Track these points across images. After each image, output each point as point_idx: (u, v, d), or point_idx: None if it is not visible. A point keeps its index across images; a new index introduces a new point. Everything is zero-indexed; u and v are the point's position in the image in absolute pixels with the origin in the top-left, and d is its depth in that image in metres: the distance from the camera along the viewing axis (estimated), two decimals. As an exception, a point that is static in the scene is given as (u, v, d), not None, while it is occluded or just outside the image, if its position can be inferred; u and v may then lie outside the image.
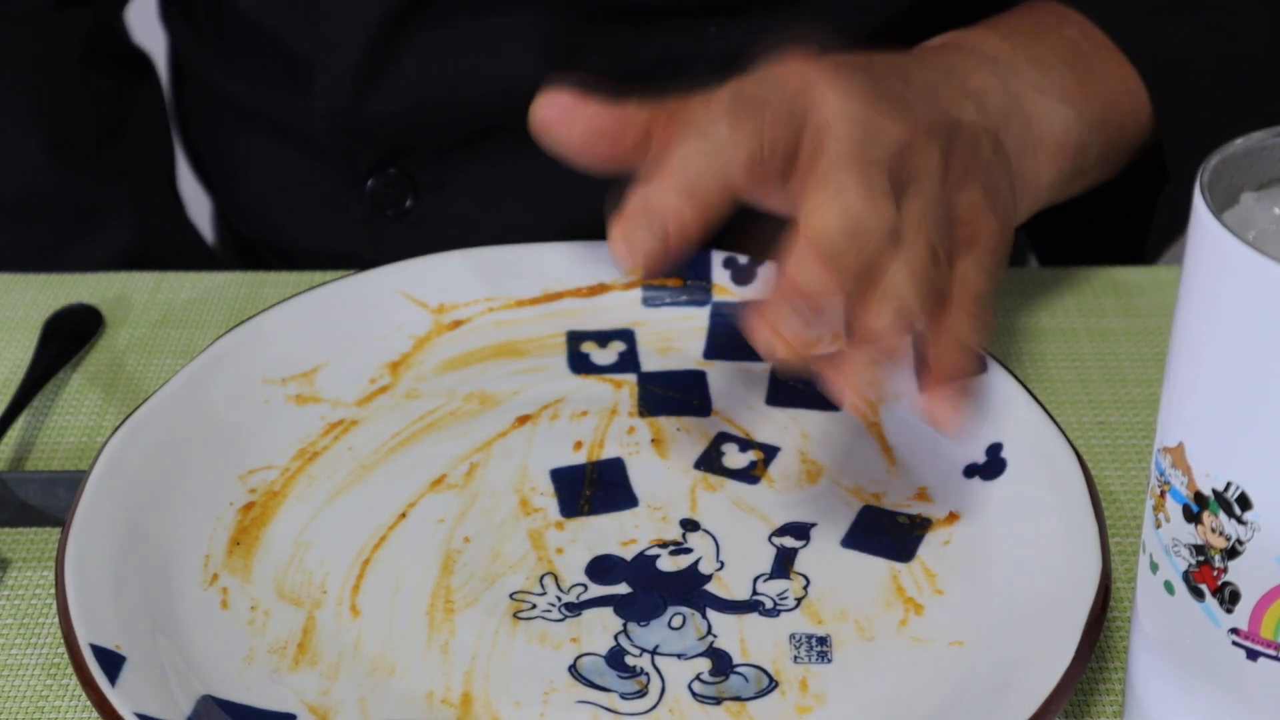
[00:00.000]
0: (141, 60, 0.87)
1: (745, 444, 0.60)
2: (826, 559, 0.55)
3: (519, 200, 0.79)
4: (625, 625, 0.53)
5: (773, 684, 0.51)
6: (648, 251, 0.52)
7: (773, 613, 0.53)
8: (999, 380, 0.60)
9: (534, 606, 0.54)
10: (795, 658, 0.52)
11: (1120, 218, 0.74)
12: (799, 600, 0.54)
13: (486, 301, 0.66)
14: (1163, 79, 0.67)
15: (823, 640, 0.52)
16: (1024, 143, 0.62)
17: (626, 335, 0.66)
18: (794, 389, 0.63)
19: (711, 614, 0.53)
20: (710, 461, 0.60)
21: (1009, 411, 0.59)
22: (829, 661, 0.51)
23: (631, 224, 0.52)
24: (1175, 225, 0.72)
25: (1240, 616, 0.42)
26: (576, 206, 0.79)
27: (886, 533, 0.56)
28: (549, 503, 0.58)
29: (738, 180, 0.53)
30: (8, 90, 0.80)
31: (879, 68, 0.58)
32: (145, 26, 0.91)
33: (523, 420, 0.62)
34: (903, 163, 0.54)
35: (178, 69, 0.90)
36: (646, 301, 0.67)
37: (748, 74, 0.56)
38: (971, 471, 0.58)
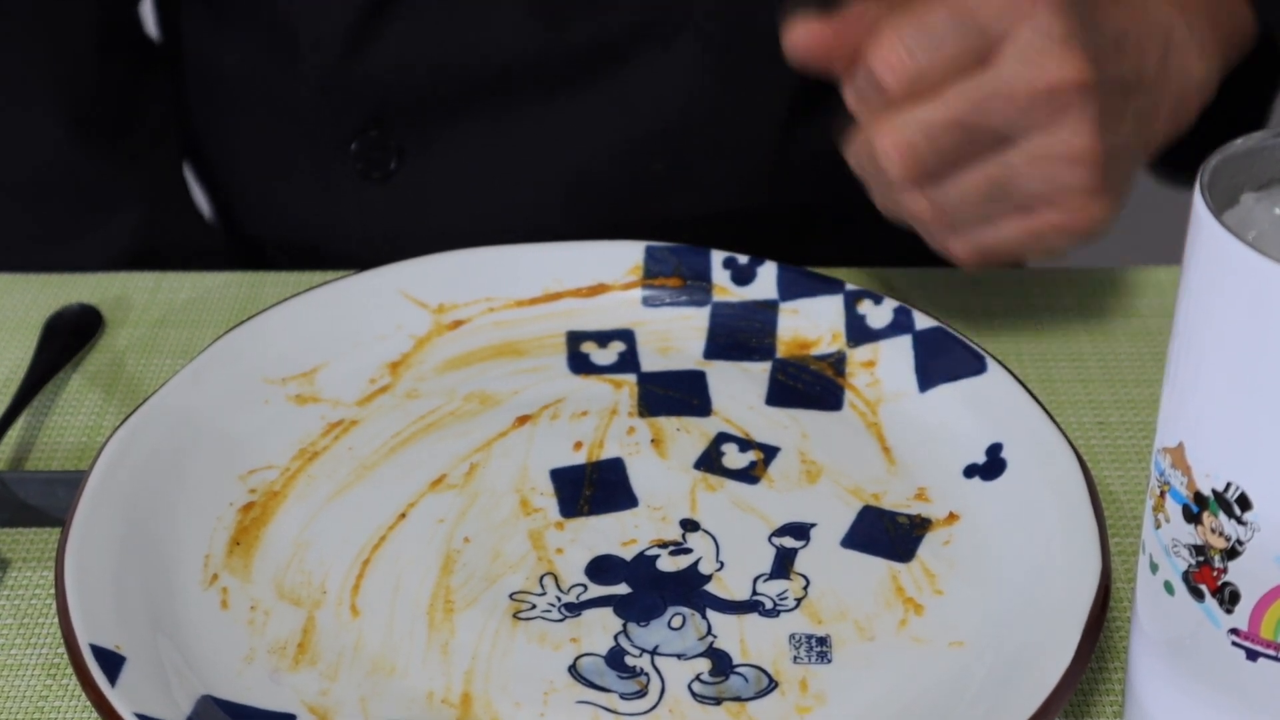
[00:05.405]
0: (155, 50, 0.88)
1: (745, 444, 0.60)
2: (826, 559, 0.55)
3: (502, 164, 0.79)
4: (625, 625, 0.53)
5: (772, 684, 0.51)
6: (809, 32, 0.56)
7: (772, 613, 0.53)
8: (999, 380, 0.60)
9: (534, 607, 0.53)
10: (795, 658, 0.52)
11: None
12: (799, 600, 0.54)
13: (486, 301, 0.66)
14: None
15: (822, 640, 0.52)
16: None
17: (626, 335, 0.66)
18: (794, 389, 0.63)
19: (711, 614, 0.53)
20: (710, 462, 0.60)
21: (1009, 411, 0.59)
22: (829, 662, 0.51)
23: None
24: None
25: (1240, 617, 0.42)
26: (558, 171, 0.79)
27: (886, 533, 0.56)
28: (549, 503, 0.58)
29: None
30: (29, 71, 0.80)
31: None
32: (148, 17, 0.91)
33: (523, 420, 0.62)
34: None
35: (167, 50, 0.90)
36: (646, 301, 0.67)
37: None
38: (971, 472, 0.58)
